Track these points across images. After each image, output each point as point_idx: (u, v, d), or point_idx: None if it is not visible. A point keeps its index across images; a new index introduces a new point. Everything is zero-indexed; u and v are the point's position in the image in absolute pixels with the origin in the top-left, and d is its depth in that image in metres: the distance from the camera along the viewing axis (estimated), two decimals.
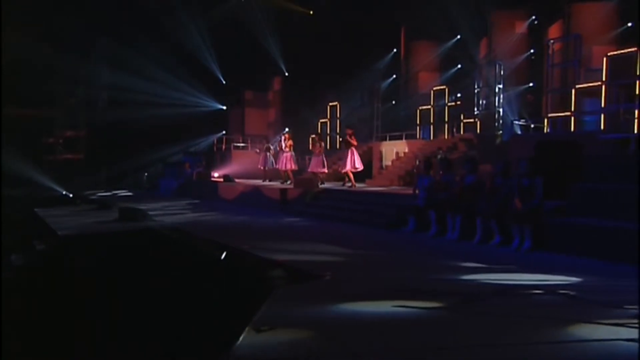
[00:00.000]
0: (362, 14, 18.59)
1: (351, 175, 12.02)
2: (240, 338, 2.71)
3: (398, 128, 17.45)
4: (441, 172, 8.19)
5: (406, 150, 15.31)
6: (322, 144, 12.73)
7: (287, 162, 13.23)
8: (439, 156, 10.71)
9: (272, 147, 14.42)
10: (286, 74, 22.09)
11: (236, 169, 17.19)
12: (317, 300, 3.66)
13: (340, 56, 19.04)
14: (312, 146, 12.66)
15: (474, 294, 4.09)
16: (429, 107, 16.82)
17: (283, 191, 11.54)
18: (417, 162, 12.42)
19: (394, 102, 19.74)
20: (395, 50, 20.61)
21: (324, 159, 12.52)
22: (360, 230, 8.27)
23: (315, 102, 20.11)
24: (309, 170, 12.59)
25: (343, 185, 11.74)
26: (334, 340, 2.68)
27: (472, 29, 17.65)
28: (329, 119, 19.24)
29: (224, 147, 19.90)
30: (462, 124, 15.01)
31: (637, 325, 2.87)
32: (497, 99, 13.41)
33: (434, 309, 3.58)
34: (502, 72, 13.47)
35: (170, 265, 5.22)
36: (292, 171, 13.32)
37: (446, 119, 16.19)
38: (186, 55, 20.59)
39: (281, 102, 22.67)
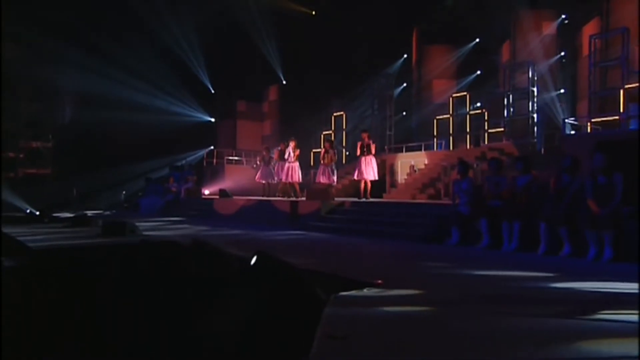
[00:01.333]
0: (370, 15, 18.81)
1: (368, 186, 11.57)
2: (314, 345, 2.64)
3: (410, 140, 17.43)
4: (486, 174, 7.64)
5: (426, 162, 14.96)
6: (335, 152, 12.19)
7: (292, 173, 12.73)
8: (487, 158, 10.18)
9: (273, 158, 14.10)
10: (284, 82, 22.33)
11: (229, 185, 16.88)
12: (382, 305, 3.61)
13: (345, 62, 19.45)
14: (322, 154, 12.10)
15: (587, 302, 3.73)
16: (448, 116, 16.56)
17: (293, 204, 10.97)
18: (448, 167, 11.94)
19: (404, 112, 19.47)
20: (405, 55, 20.82)
21: (334, 169, 12.14)
22: (395, 244, 7.70)
23: (317, 112, 20.07)
24: (317, 181, 12.15)
25: (360, 199, 11.29)
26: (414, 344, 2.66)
27: (492, 31, 17.77)
28: (334, 131, 18.83)
29: (215, 161, 19.71)
30: (487, 133, 14.60)
31: None
32: (530, 103, 13.10)
33: (548, 317, 3.23)
34: (535, 74, 13.19)
35: (201, 277, 4.55)
36: (298, 184, 12.75)
37: (467, 129, 15.88)
38: (171, 60, 20.71)
39: (278, 113, 22.91)
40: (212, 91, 22.91)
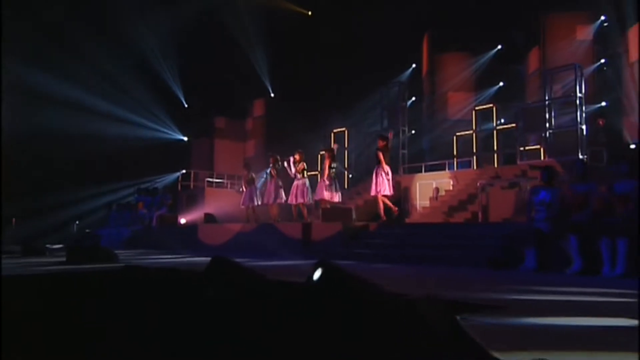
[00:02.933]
0: (373, 18, 18.69)
1: (387, 203, 10.72)
2: None
3: (421, 161, 17.09)
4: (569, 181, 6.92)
5: (452, 182, 14.34)
6: (335, 164, 11.44)
7: (299, 192, 11.81)
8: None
9: (256, 178, 13.74)
10: (272, 94, 22.06)
11: (210, 211, 15.80)
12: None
13: (346, 70, 19.02)
14: (326, 166, 11.55)
15: None
16: (470, 132, 16.28)
17: (306, 228, 10.11)
18: (486, 186, 11.27)
19: (413, 131, 19.07)
20: (414, 65, 20.62)
21: (337, 183, 11.56)
22: (460, 271, 6.86)
23: (312, 129, 19.46)
24: (316, 198, 11.52)
25: (382, 220, 10.63)
26: None
27: (517, 37, 17.95)
28: (333, 150, 17.86)
29: (192, 184, 19.11)
30: (522, 149, 14.07)
31: None
32: (578, 113, 12.61)
33: None
34: (582, 78, 12.77)
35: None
36: (305, 205, 11.93)
37: (495, 146, 15.53)
38: (137, 68, 20.23)
39: (264, 131, 22.47)
40: (186, 105, 22.69)
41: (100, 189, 19.37)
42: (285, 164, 11.62)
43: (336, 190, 11.27)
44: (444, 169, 15.77)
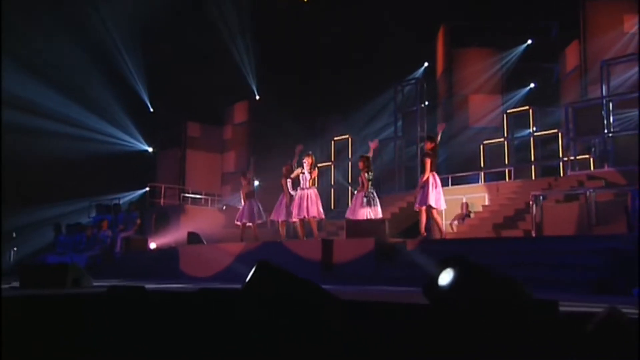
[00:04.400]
0: (379, 6, 18.64)
1: (436, 219, 10.26)
2: None
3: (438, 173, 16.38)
4: None
5: (488, 197, 13.82)
6: (372, 174, 10.82)
7: (310, 203, 11.04)
8: None
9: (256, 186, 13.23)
10: (257, 96, 21.70)
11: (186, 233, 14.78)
12: None
13: (348, 68, 18.93)
14: (361, 178, 10.81)
15: None
16: (501, 139, 15.98)
17: (327, 245, 9.47)
18: (539, 198, 10.89)
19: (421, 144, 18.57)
20: (426, 64, 20.44)
21: (375, 197, 10.88)
22: (547, 297, 5.96)
23: (308, 137, 18.70)
24: (349, 216, 10.67)
25: (423, 235, 10.15)
26: None
27: (551, 30, 17.98)
28: (333, 161, 17.60)
29: (162, 201, 18.56)
30: (572, 158, 13.48)
31: None
32: None
33: None
34: None
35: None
36: (305, 220, 11.20)
37: (532, 155, 15.40)
38: (93, 63, 19.90)
39: (247, 140, 22.06)
40: (151, 109, 22.31)
41: (44, 207, 18.65)
42: (300, 170, 11.01)
43: (374, 205, 10.61)
44: (472, 182, 15.31)
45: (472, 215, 13.44)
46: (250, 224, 12.00)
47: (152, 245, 15.50)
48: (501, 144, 15.95)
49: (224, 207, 17.10)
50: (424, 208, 10.02)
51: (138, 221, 15.36)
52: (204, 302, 4.79)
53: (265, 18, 19.53)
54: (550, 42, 18.15)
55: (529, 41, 18.46)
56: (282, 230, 11.83)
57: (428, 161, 9.92)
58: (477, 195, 14.12)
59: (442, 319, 3.25)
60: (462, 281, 3.22)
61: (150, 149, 22.42)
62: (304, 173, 11.12)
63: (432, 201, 9.84)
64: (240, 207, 12.24)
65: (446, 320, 3.19)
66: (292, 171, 11.55)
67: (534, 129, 15.55)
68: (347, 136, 17.75)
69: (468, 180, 15.54)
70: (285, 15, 19.34)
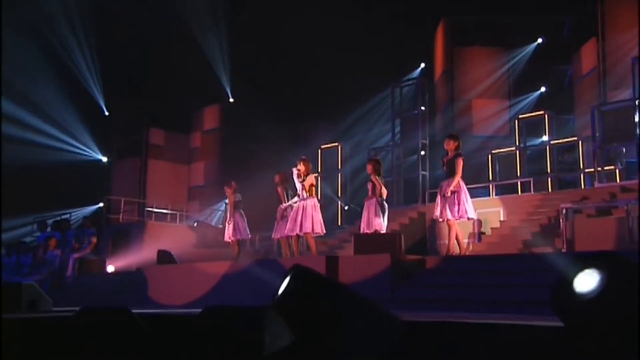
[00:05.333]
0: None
1: (459, 236, 9.98)
2: None
3: (436, 187, 16.57)
4: None
5: (504, 212, 13.96)
6: (310, 180, 10.79)
7: (305, 217, 10.62)
8: None
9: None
10: (231, 99, 21.55)
11: (151, 253, 14.59)
12: None
13: (335, 68, 18.65)
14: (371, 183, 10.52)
15: None
16: (512, 148, 16.13)
17: (332, 263, 9.14)
18: (570, 211, 10.71)
19: (423, 152, 18.48)
20: (423, 65, 20.52)
21: (385, 205, 10.65)
22: None
23: (291, 146, 19.36)
24: (363, 228, 10.49)
25: (451, 252, 9.93)
26: None
27: (564, 27, 18.17)
28: (321, 172, 17.51)
29: (121, 217, 18.14)
30: (599, 169, 13.54)
31: None
32: None
33: None
34: None
35: None
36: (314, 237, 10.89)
37: (548, 166, 15.50)
38: (38, 58, 19.52)
39: (218, 149, 22.02)
40: (106, 112, 21.96)
41: None
42: (295, 177, 10.72)
43: (383, 215, 10.39)
44: (480, 195, 14.97)
45: (486, 234, 13.12)
46: (243, 239, 12.03)
47: (110, 269, 15.10)
48: (512, 154, 15.93)
49: (195, 224, 16.71)
50: (454, 221, 9.64)
51: (94, 239, 14.75)
52: (219, 325, 4.25)
53: (241, 9, 19.56)
54: (563, 41, 18.21)
55: (540, 39, 18.45)
56: (285, 249, 11.54)
57: (461, 161, 9.48)
58: (490, 210, 13.85)
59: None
60: (615, 285, 2.57)
61: (104, 159, 22.09)
62: (300, 182, 10.79)
63: (471, 212, 9.56)
64: (228, 222, 12.03)
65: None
66: (287, 179, 11.43)
67: (550, 136, 15.50)
68: (336, 144, 17.61)
69: (474, 194, 15.20)
70: (264, 6, 19.22)
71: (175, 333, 6.32)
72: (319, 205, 10.87)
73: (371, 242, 9.27)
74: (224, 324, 4.17)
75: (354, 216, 16.61)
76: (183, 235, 16.06)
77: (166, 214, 18.20)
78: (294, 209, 10.85)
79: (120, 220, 18.15)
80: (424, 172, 16.07)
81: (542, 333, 3.37)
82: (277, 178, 11.65)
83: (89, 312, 5.18)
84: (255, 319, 3.93)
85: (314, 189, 10.88)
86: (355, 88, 18.59)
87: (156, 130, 21.89)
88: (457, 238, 9.92)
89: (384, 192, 10.37)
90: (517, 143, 15.82)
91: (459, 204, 9.46)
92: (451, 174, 9.58)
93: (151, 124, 21.75)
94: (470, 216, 9.72)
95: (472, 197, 15.04)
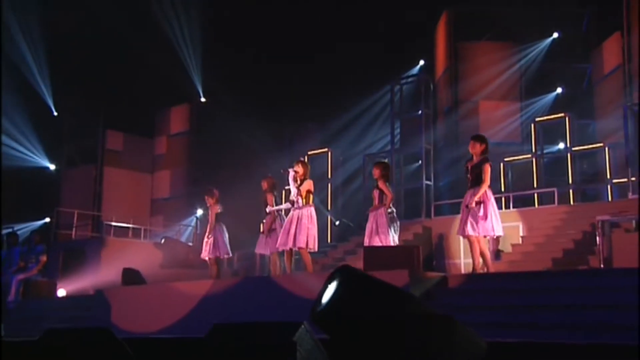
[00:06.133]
0: None
1: (485, 252, 9.76)
2: None
3: (441, 198, 17.39)
4: None
5: (524, 227, 13.80)
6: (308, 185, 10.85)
7: (299, 230, 10.53)
8: None
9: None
10: (202, 98, 21.50)
11: (111, 274, 14.62)
12: None
13: (324, 64, 19.02)
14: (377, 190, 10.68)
15: None
16: (527, 156, 16.26)
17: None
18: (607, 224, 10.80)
19: (419, 161, 18.75)
20: (422, 62, 20.51)
21: (396, 218, 10.88)
22: None
23: (273, 150, 19.29)
24: (369, 241, 10.49)
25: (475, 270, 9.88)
26: None
27: (582, 18, 18.14)
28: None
29: (73, 232, 18.20)
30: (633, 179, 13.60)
31: None
32: None
33: None
34: None
35: None
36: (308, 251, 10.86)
37: (570, 176, 15.52)
38: None
39: (188, 156, 22.07)
40: (55, 113, 21.75)
41: None
42: (290, 179, 10.73)
43: (397, 227, 10.62)
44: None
45: (504, 251, 13.05)
46: (226, 256, 12.16)
47: (61, 292, 14.90)
48: (527, 162, 16.10)
49: (163, 240, 16.37)
50: (480, 237, 9.54)
51: (43, 258, 14.67)
52: (240, 344, 3.97)
53: None
54: (581, 35, 18.19)
55: (555, 34, 18.36)
56: (275, 266, 11.58)
57: (488, 167, 9.32)
58: (507, 225, 13.65)
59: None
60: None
61: (52, 166, 21.86)
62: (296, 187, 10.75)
63: (498, 228, 9.40)
64: (208, 237, 12.06)
65: None
66: (277, 186, 11.70)
67: (571, 142, 15.58)
68: (325, 149, 17.57)
69: (507, 203, 15.55)
70: None
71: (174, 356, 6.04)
72: (315, 215, 10.70)
73: (384, 257, 9.05)
74: (246, 343, 4.02)
75: (345, 232, 16.79)
76: (148, 253, 15.81)
77: (127, 228, 18.08)
78: (288, 219, 10.73)
79: (73, 236, 18.01)
80: (428, 182, 16.01)
81: None
82: (264, 184, 11.67)
83: (56, 334, 5.09)
84: (285, 334, 3.95)
85: (311, 195, 10.70)
86: (348, 86, 18.61)
87: (114, 133, 21.79)
88: (482, 254, 9.69)
89: (389, 200, 10.33)
90: (534, 150, 15.83)
91: (485, 218, 9.33)
92: (477, 182, 9.41)
93: (108, 126, 21.62)
94: (498, 233, 9.60)
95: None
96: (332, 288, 3.44)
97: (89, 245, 16.88)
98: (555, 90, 18.42)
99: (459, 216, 14.39)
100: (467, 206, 9.36)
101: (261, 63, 19.81)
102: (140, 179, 22.13)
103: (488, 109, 18.44)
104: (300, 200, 10.55)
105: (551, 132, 16.66)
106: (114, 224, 18.04)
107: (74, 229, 18.18)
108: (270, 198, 11.46)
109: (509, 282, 9.00)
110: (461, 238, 13.92)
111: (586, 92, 18.08)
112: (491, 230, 9.38)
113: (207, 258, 12.18)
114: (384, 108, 18.55)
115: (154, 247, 16.52)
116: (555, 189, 14.51)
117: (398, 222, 10.61)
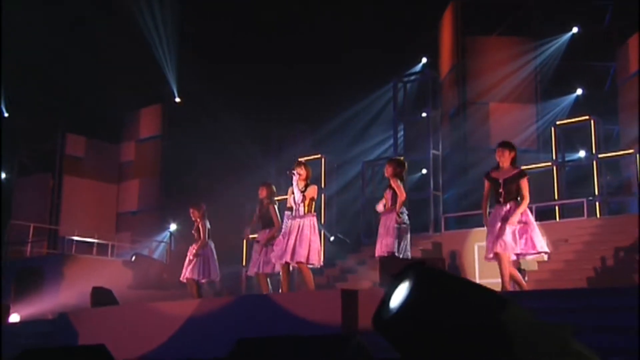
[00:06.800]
0: None
1: (514, 272, 9.68)
2: None
3: (449, 210, 17.51)
4: None
5: (547, 242, 13.25)
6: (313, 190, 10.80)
7: (299, 242, 10.41)
8: None
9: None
10: (177, 98, 21.69)
11: (74, 296, 14.77)
12: None
13: (315, 60, 19.22)
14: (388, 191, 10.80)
15: None
16: (547, 163, 16.24)
17: (349, 299, 8.70)
18: None
19: (424, 170, 19.12)
20: (425, 59, 20.59)
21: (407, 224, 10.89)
22: None
23: (258, 156, 19.43)
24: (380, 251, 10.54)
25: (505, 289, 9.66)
26: None
27: (605, 11, 18.24)
28: (293, 192, 17.07)
29: (28, 249, 18.09)
30: None
31: None
32: None
33: None
34: None
35: None
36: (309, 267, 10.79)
37: (596, 187, 15.39)
38: None
39: (159, 163, 22.20)
40: (6, 113, 21.84)
41: None
42: (294, 184, 10.69)
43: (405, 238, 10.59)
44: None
45: (526, 270, 12.79)
46: (204, 280, 12.30)
47: (14, 318, 14.61)
48: (547, 170, 16.07)
49: (134, 258, 16.16)
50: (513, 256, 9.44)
51: None
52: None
53: None
54: (604, 30, 18.23)
55: (575, 28, 18.37)
56: (264, 283, 11.61)
57: (527, 182, 9.17)
58: None
59: None
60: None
61: (2, 175, 21.84)
62: (294, 193, 10.63)
63: (542, 244, 9.28)
64: (193, 256, 12.19)
65: None
66: (275, 193, 11.62)
67: (596, 149, 15.50)
68: (318, 155, 17.49)
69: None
70: None
71: None
72: (317, 226, 10.56)
73: (402, 267, 8.52)
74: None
75: (341, 249, 16.67)
76: (116, 272, 15.61)
77: (92, 244, 17.98)
78: (286, 229, 10.47)
79: (28, 253, 17.88)
80: (437, 192, 16.00)
81: None
82: (263, 192, 11.55)
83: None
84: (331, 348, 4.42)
85: (314, 204, 10.58)
86: (342, 85, 18.60)
87: (75, 137, 21.76)
88: (511, 274, 9.46)
89: (401, 201, 10.30)
90: (554, 157, 15.77)
91: (531, 234, 9.16)
92: (511, 196, 9.16)
93: (68, 129, 21.53)
94: (545, 249, 9.53)
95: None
96: (404, 288, 2.99)
97: (47, 263, 16.69)
98: (574, 91, 18.46)
99: (474, 230, 14.66)
100: (504, 219, 9.07)
101: (245, 58, 19.76)
102: (105, 189, 22.18)
103: (500, 112, 18.38)
104: (302, 208, 10.40)
105: (570, 138, 16.67)
106: (76, 238, 17.81)
107: (28, 245, 18.05)
108: (272, 209, 11.42)
109: (548, 300, 8.70)
110: (476, 255, 14.28)
111: (609, 94, 18.06)
112: (534, 247, 9.19)
113: (186, 280, 12.18)
114: (382, 109, 18.67)
115: (123, 265, 16.44)
116: (584, 200, 14.51)
117: (408, 227, 10.61)
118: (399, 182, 10.35)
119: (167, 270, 15.70)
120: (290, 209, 10.60)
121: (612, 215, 14.84)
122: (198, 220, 12.32)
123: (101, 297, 11.52)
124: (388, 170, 10.49)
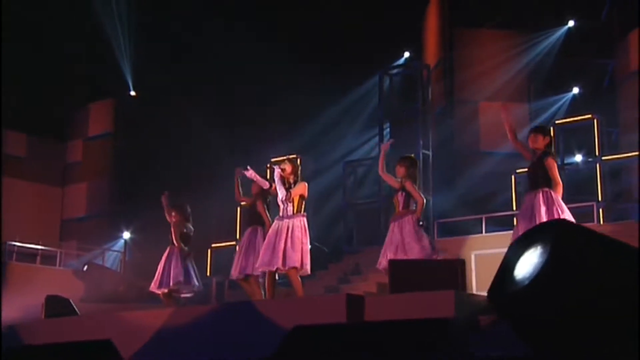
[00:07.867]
0: None
1: None
2: None
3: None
4: None
5: None
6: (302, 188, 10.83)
7: (294, 244, 10.32)
8: None
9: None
10: (132, 92, 21.67)
11: (16, 308, 14.73)
12: None
13: (292, 49, 19.27)
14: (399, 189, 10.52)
15: None
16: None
17: (354, 307, 8.24)
18: None
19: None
20: (407, 54, 20.62)
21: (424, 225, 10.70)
22: None
23: (225, 158, 19.15)
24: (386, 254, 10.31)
25: None
26: None
27: (602, 4, 18.44)
28: (272, 195, 16.98)
29: None
30: None
31: None
32: None
33: None
34: None
35: None
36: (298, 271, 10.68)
37: (599, 191, 15.61)
38: None
39: (110, 165, 22.41)
40: None
41: None
42: (276, 179, 10.70)
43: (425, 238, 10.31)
44: (504, 229, 15.12)
45: None
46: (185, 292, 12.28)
47: None
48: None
49: (86, 267, 16.18)
50: None
51: None
52: None
53: None
54: (602, 25, 18.25)
55: (570, 22, 18.50)
56: (254, 288, 11.49)
57: (554, 162, 9.06)
58: None
59: None
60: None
61: None
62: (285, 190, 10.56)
63: None
64: (177, 264, 12.10)
65: None
66: (267, 192, 11.52)
67: (600, 149, 15.71)
68: (294, 155, 16.81)
69: (492, 229, 15.63)
70: None
71: None
72: (307, 228, 10.47)
73: (418, 274, 8.53)
74: None
75: (319, 259, 15.99)
76: (64, 283, 15.57)
77: (36, 252, 17.67)
78: (273, 231, 10.36)
79: None
80: (427, 196, 15.48)
81: None
82: (254, 189, 11.64)
83: None
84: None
85: (304, 202, 10.41)
86: (319, 79, 18.48)
87: (14, 134, 21.68)
88: None
89: (421, 204, 10.08)
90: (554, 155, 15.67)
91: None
92: (539, 183, 9.05)
93: (7, 125, 20.88)
94: None
95: (490, 231, 15.32)
96: (535, 255, 2.55)
97: None
98: (570, 90, 18.49)
99: (470, 238, 14.81)
100: (532, 213, 8.87)
101: (212, 49, 19.39)
102: (48, 193, 22.22)
103: (490, 112, 18.12)
104: (290, 208, 10.28)
105: (567, 141, 16.78)
106: (17, 244, 17.60)
107: None
108: (262, 210, 11.47)
109: None
110: (473, 265, 14.32)
111: (607, 93, 18.11)
112: None
113: (160, 291, 11.95)
114: (363, 106, 18.66)
115: (74, 275, 16.30)
116: (594, 204, 14.53)
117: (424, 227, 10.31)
118: (414, 184, 10.14)
119: (123, 281, 15.50)
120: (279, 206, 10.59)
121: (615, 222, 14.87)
122: (179, 223, 12.25)
123: (57, 306, 11.00)
124: (400, 171, 10.20)
